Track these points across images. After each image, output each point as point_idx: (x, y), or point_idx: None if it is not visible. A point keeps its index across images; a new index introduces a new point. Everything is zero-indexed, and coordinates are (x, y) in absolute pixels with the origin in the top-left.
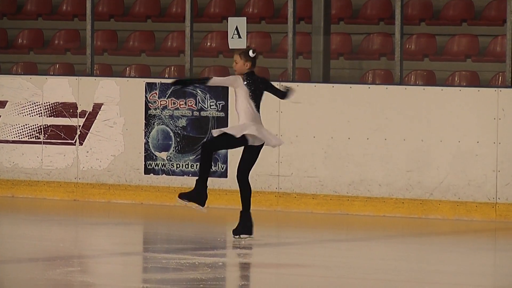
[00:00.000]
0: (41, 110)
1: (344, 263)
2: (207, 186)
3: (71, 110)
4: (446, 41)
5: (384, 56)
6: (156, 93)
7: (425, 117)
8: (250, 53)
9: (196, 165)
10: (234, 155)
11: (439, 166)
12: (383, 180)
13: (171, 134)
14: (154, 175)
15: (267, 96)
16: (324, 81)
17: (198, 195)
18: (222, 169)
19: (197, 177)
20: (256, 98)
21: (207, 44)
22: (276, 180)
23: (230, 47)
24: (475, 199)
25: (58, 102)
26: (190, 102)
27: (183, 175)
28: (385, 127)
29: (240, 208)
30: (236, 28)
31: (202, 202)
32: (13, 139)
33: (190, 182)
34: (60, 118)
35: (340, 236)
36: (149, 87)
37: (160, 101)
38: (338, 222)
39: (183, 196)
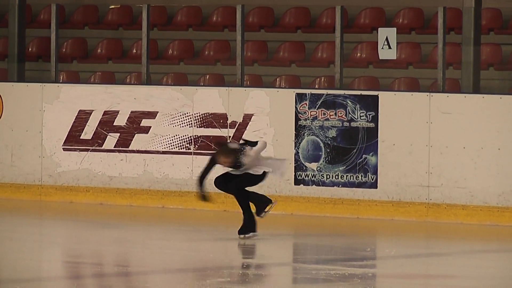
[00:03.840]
0: (191, 120)
1: (494, 274)
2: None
3: (221, 121)
4: None
5: None
6: (306, 103)
7: None
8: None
9: (346, 176)
10: (384, 166)
11: None
12: None
13: (321, 144)
14: (304, 186)
15: (417, 107)
16: (474, 91)
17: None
18: (372, 179)
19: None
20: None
21: (357, 55)
22: (426, 191)
23: (380, 58)
24: None
25: (208, 113)
26: (340, 113)
27: (333, 186)
28: None
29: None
30: (386, 39)
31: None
32: (164, 149)
33: (340, 193)
34: (210, 128)
35: (490, 247)
36: (299, 97)
37: (310, 112)
38: (488, 233)
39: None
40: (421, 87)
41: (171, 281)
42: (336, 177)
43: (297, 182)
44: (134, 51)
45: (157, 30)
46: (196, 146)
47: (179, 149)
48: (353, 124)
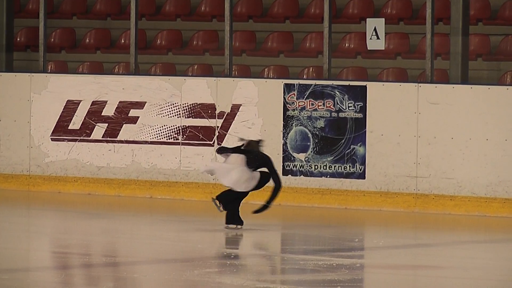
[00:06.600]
0: (179, 111)
1: (481, 265)
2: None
3: (209, 111)
4: None
5: None
6: (294, 94)
7: None
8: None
9: (335, 166)
10: (372, 156)
11: None
12: None
13: (309, 135)
14: (292, 176)
15: (405, 97)
16: (462, 82)
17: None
18: (360, 170)
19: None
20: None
21: (345, 45)
22: (414, 181)
23: (368, 48)
24: None
25: (196, 103)
26: (329, 103)
27: (321, 176)
28: None
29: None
30: (375, 29)
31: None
32: (152, 140)
33: (328, 184)
34: (198, 119)
35: (478, 237)
36: (287, 88)
37: (298, 102)
38: (476, 224)
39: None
40: (409, 77)
41: (159, 271)
42: (324, 167)
43: (285, 172)
44: (123, 41)
45: (146, 20)
46: (184, 136)
47: (167, 139)
48: (341, 115)
